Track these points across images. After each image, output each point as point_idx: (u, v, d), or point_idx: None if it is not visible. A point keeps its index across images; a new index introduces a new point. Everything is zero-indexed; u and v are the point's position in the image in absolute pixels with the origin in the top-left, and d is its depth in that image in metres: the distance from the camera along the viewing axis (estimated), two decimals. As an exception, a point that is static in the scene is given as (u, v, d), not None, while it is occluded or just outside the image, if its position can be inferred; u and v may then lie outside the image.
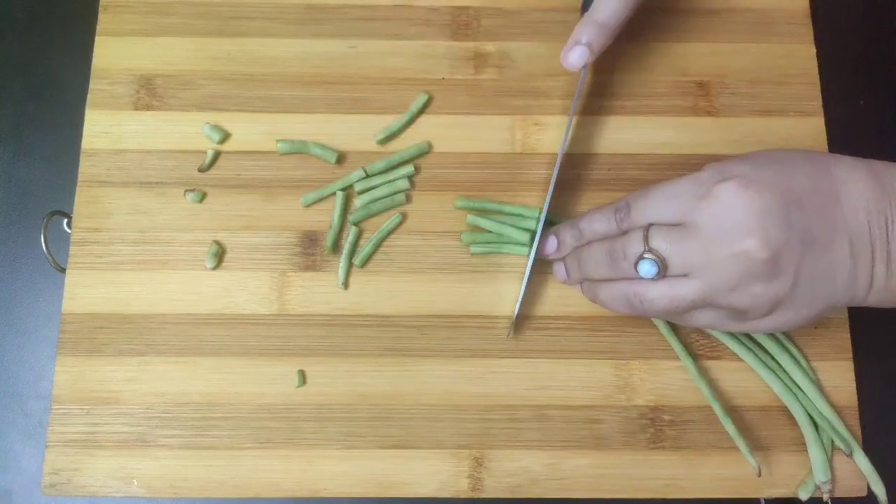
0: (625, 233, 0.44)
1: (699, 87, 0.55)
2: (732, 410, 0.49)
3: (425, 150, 0.53)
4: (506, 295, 0.51)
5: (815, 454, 0.47)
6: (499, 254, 0.51)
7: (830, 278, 0.40)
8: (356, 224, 0.51)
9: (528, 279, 0.49)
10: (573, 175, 0.53)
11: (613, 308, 0.46)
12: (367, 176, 0.52)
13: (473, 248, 0.51)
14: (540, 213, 0.50)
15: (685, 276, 0.41)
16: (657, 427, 0.49)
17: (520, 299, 0.49)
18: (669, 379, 0.49)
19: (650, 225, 0.42)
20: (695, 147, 0.53)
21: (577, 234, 0.47)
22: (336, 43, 0.55)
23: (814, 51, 0.55)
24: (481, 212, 0.51)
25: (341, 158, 0.53)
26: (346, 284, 0.51)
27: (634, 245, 0.42)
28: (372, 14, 0.56)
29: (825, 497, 0.47)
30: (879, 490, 0.47)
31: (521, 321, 0.50)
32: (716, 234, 0.40)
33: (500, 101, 0.54)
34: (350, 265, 0.51)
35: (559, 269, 0.49)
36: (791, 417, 0.49)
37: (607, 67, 0.55)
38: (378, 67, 0.55)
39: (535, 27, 0.56)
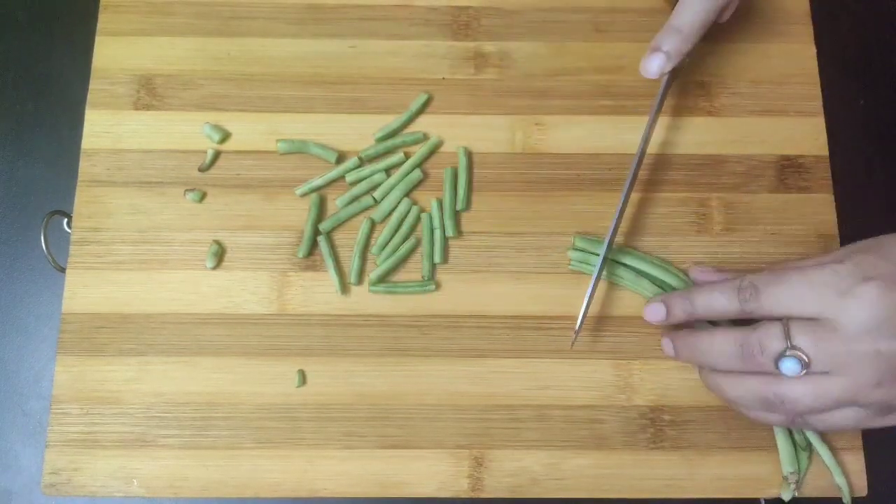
0: (750, 318, 0.42)
1: (699, 87, 0.55)
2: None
3: (436, 145, 0.53)
4: (506, 295, 0.51)
5: (782, 445, 0.47)
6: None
7: None
8: (327, 233, 0.51)
9: (592, 293, 0.47)
10: (573, 175, 0.53)
11: (742, 403, 0.44)
12: (362, 164, 0.52)
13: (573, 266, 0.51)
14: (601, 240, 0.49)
15: (826, 373, 0.40)
16: (657, 427, 0.49)
17: (583, 311, 0.47)
18: (669, 379, 0.49)
19: (789, 318, 0.41)
20: (696, 147, 0.54)
21: (690, 308, 0.45)
22: (336, 43, 0.55)
23: (814, 51, 0.55)
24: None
25: (341, 158, 0.53)
26: (360, 280, 0.51)
27: (774, 341, 0.40)
28: (372, 14, 0.56)
29: (792, 487, 0.47)
30: (842, 482, 0.47)
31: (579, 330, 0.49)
32: (859, 334, 0.39)
33: (500, 101, 0.54)
34: (363, 263, 0.51)
35: (653, 310, 0.47)
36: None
37: (608, 67, 0.55)
38: (378, 67, 0.55)
39: (535, 27, 0.56)
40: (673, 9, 0.49)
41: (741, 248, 0.51)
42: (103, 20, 0.55)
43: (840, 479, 0.47)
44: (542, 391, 0.49)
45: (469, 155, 0.53)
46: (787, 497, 0.47)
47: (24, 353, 0.54)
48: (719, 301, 0.44)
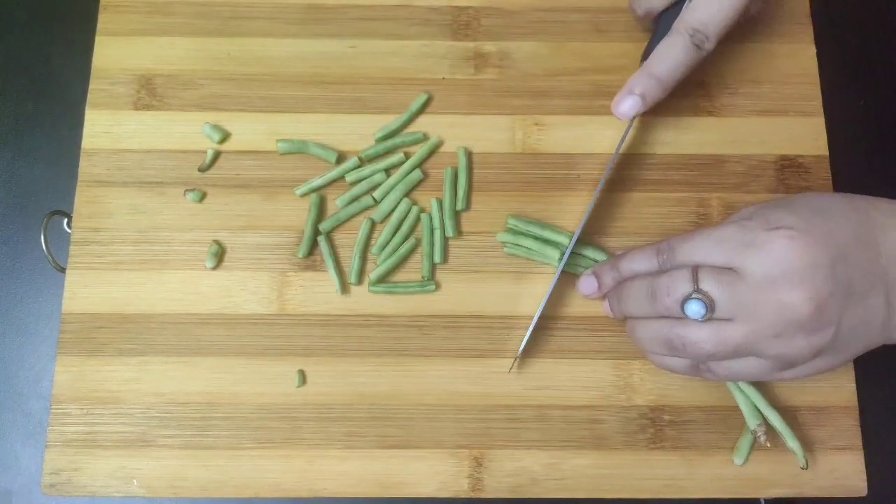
0: (667, 272, 0.43)
1: (700, 87, 0.55)
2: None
3: (436, 145, 0.53)
4: (506, 295, 0.51)
5: (742, 404, 0.48)
6: (529, 259, 0.51)
7: (867, 325, 0.41)
8: (327, 233, 0.51)
9: (546, 302, 0.48)
10: (573, 175, 0.53)
11: (650, 348, 0.45)
12: (362, 164, 0.52)
13: (508, 249, 0.51)
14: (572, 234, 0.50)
15: (730, 320, 0.41)
16: (657, 427, 0.49)
17: (529, 332, 0.48)
18: (669, 379, 0.49)
19: (697, 266, 0.42)
20: (696, 147, 0.54)
21: (617, 275, 0.46)
22: (336, 43, 0.55)
23: (814, 51, 0.55)
24: (525, 233, 0.51)
25: (341, 158, 0.53)
26: (360, 280, 0.51)
27: (681, 284, 0.41)
28: (372, 14, 0.56)
29: (761, 440, 0.47)
30: (795, 446, 0.47)
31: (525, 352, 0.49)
32: (764, 282, 0.40)
33: (500, 101, 0.54)
34: (363, 263, 0.51)
35: (585, 282, 0.48)
36: (794, 417, 0.49)
37: (608, 68, 0.55)
38: (378, 67, 0.55)
39: (535, 27, 0.56)
40: (647, 31, 0.49)
41: (741, 248, 0.51)
42: (103, 20, 0.55)
43: (793, 443, 0.47)
44: (541, 391, 0.49)
45: (469, 155, 0.53)
46: (740, 461, 0.48)
47: (24, 353, 0.54)
48: (641, 263, 0.45)
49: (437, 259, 0.51)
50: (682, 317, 0.42)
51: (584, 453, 0.48)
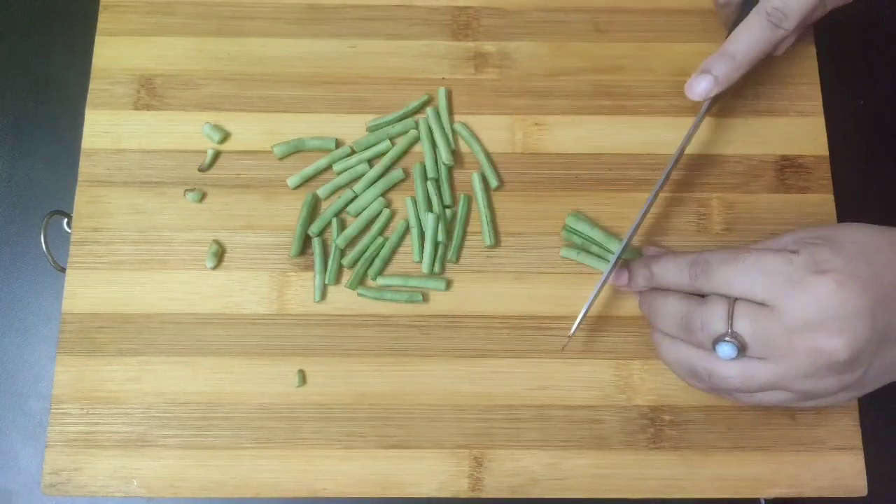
0: (700, 294, 0.43)
1: (699, 87, 0.55)
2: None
3: (416, 138, 0.53)
4: (505, 295, 0.51)
5: None
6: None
7: (895, 366, 0.41)
8: (319, 234, 0.51)
9: (595, 296, 0.47)
10: (573, 175, 0.53)
11: (673, 370, 0.45)
12: (352, 153, 0.52)
13: (564, 252, 0.51)
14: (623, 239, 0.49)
15: (761, 358, 0.40)
16: (657, 427, 0.49)
17: (582, 314, 0.47)
18: (669, 379, 0.49)
19: (734, 300, 0.41)
20: (695, 147, 0.53)
21: (649, 276, 0.46)
22: (336, 43, 0.55)
23: (814, 51, 0.55)
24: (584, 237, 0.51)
25: (340, 145, 0.53)
26: (337, 280, 0.51)
27: (716, 321, 0.40)
28: (372, 14, 0.56)
29: None
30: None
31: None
32: (801, 325, 0.39)
33: (500, 101, 0.54)
34: (340, 264, 0.51)
35: (619, 275, 0.48)
36: (793, 417, 0.49)
37: (608, 67, 0.55)
38: (378, 67, 0.55)
39: (535, 27, 0.56)
40: (727, 27, 0.48)
41: (741, 248, 0.51)
42: (103, 20, 0.55)
43: None
44: (542, 391, 0.49)
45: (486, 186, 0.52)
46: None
47: (24, 353, 0.54)
48: (673, 273, 0.44)
49: (436, 269, 0.51)
50: (712, 350, 0.41)
51: (584, 453, 0.48)
